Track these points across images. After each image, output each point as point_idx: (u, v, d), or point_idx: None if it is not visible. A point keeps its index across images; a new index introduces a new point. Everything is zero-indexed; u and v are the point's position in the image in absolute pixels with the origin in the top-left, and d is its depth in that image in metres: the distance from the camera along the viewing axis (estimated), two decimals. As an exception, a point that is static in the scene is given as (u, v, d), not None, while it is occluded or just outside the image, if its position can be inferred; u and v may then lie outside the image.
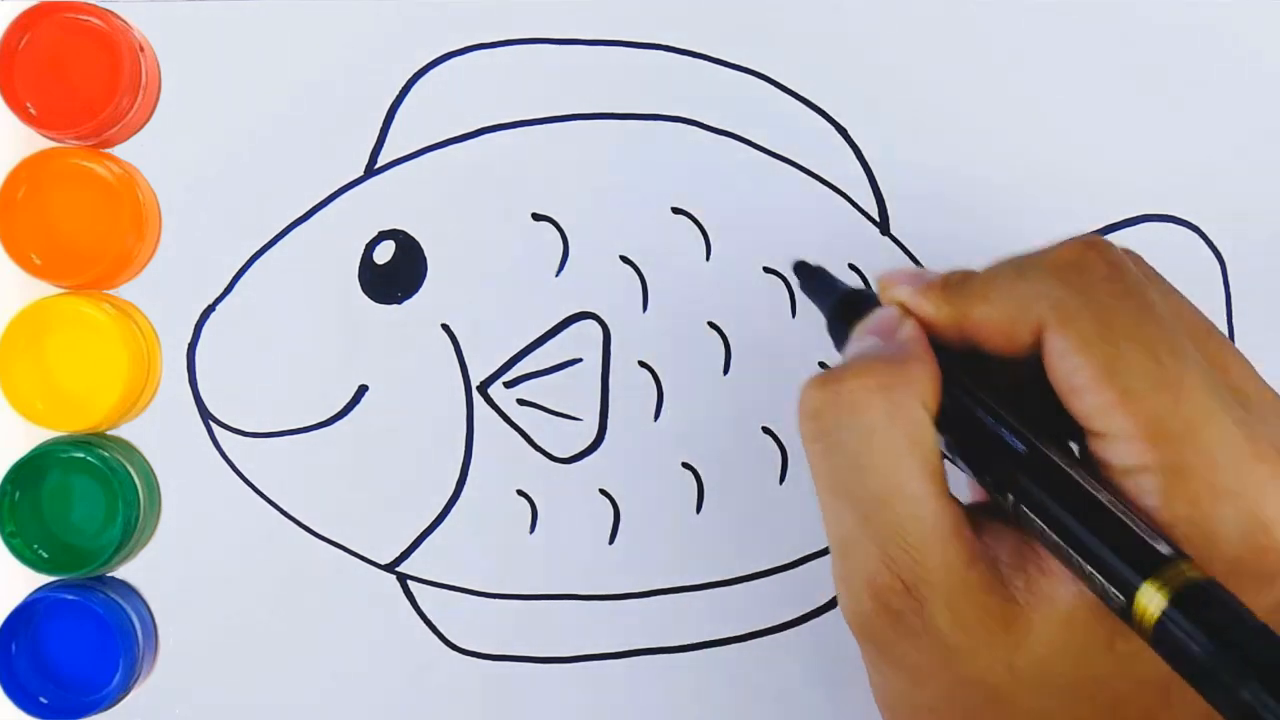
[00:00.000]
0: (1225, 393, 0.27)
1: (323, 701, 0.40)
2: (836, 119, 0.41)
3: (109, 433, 0.40)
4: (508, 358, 0.40)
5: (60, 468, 0.39)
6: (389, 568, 0.40)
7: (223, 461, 0.40)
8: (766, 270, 0.41)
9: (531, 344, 0.40)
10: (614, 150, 0.40)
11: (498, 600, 0.40)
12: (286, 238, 0.40)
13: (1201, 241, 0.41)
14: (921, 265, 0.41)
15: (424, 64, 0.40)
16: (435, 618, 0.40)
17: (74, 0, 0.39)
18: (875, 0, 0.41)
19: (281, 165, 0.40)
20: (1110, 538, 0.26)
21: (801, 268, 0.35)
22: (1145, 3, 0.41)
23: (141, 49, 0.39)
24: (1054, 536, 0.27)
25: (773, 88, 0.41)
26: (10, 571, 0.39)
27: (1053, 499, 0.27)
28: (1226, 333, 0.41)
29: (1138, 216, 0.41)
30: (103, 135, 0.39)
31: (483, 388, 0.40)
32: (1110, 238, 0.41)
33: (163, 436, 0.40)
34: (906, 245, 0.41)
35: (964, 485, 0.30)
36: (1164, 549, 0.25)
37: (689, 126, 0.41)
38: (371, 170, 0.40)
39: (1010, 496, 0.28)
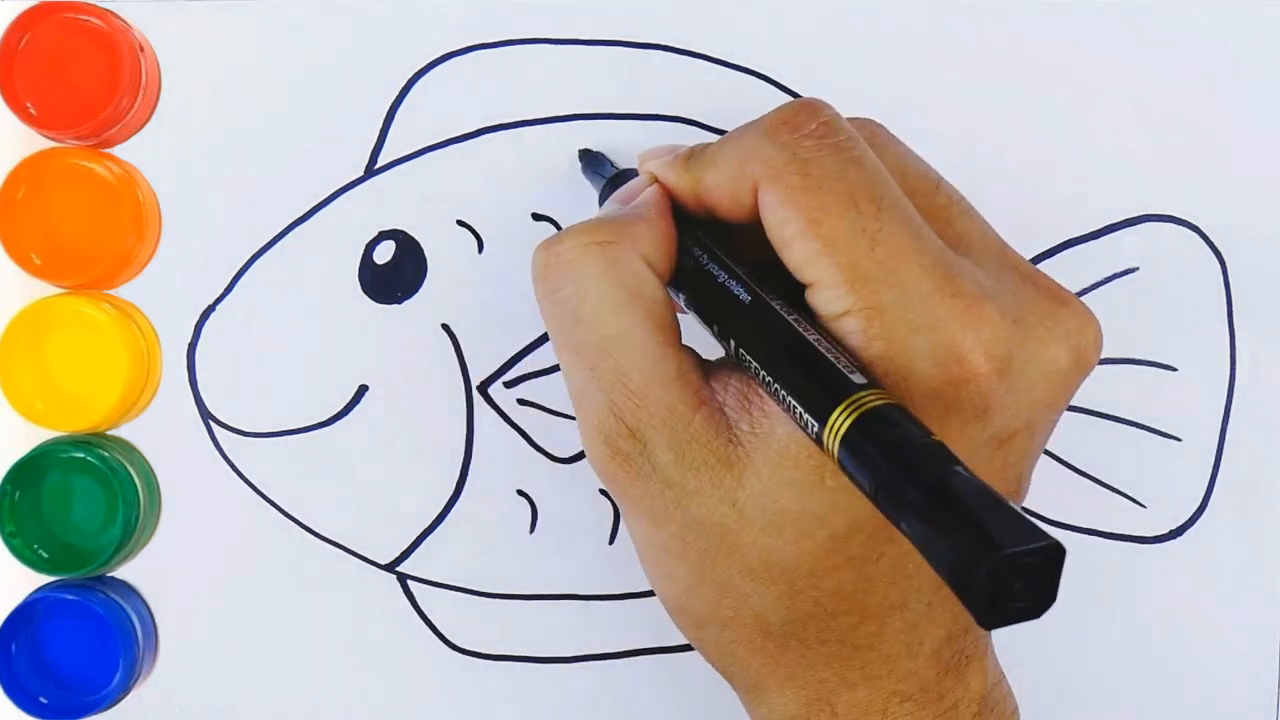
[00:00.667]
0: (929, 237, 0.28)
1: (322, 701, 0.40)
2: (836, 119, 0.41)
3: (109, 433, 0.40)
4: (508, 358, 0.40)
5: (60, 468, 0.39)
6: (389, 568, 0.40)
7: (223, 461, 0.40)
8: (766, 270, 0.41)
9: (531, 344, 0.40)
10: (614, 150, 0.40)
11: (498, 600, 0.40)
12: (286, 238, 0.40)
13: (1201, 241, 0.41)
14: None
15: (424, 64, 0.40)
16: (435, 618, 0.40)
17: (74, 0, 0.39)
18: (875, 1, 0.41)
19: (281, 165, 0.40)
20: (808, 372, 0.27)
21: (584, 154, 0.39)
22: (1145, 3, 0.41)
23: (141, 49, 0.39)
24: (765, 375, 0.28)
25: (773, 88, 0.41)
26: (10, 571, 0.39)
27: (763, 340, 0.28)
28: (1227, 333, 0.41)
29: (1138, 216, 0.41)
30: (103, 135, 0.39)
31: (483, 388, 0.40)
32: (1110, 238, 0.41)
33: (163, 436, 0.40)
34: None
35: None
36: (856, 379, 0.26)
37: (689, 126, 0.40)
38: (371, 170, 0.40)
39: (731, 342, 0.29)
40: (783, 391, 0.27)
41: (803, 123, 0.29)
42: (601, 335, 0.29)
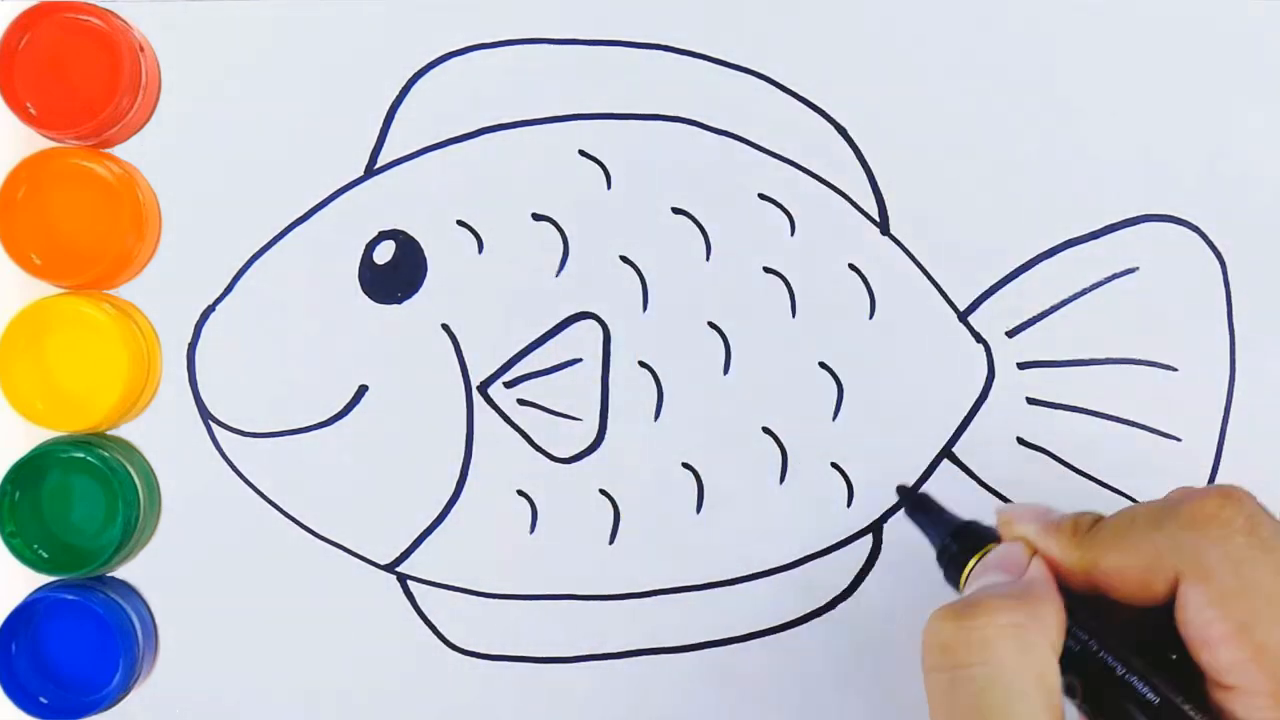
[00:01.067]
0: None
1: (322, 701, 0.40)
2: (836, 119, 0.41)
3: (109, 433, 0.40)
4: (508, 358, 0.40)
5: (60, 468, 0.39)
6: (389, 568, 0.40)
7: (223, 461, 0.40)
8: (766, 270, 0.41)
9: (531, 344, 0.40)
10: (614, 150, 0.40)
11: (498, 600, 0.40)
12: (286, 238, 0.40)
13: (1201, 241, 0.41)
14: (921, 266, 0.41)
15: (424, 64, 0.40)
16: (435, 618, 0.40)
17: (74, 0, 0.39)
18: (875, 1, 0.41)
19: (281, 165, 0.40)
20: None
21: (906, 494, 0.37)
22: (1145, 3, 0.41)
23: (141, 49, 0.39)
24: None
25: (773, 88, 0.41)
26: (10, 571, 0.39)
27: None
28: (1227, 333, 0.41)
29: (1138, 216, 0.41)
30: (103, 135, 0.39)
31: (483, 388, 0.40)
32: (1110, 238, 0.41)
33: (163, 436, 0.40)
34: (906, 245, 0.41)
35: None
36: None
37: (689, 126, 0.41)
38: (371, 170, 0.40)
39: None
40: None
41: (1229, 517, 0.29)
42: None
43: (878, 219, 0.41)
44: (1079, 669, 0.30)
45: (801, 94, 0.41)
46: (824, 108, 0.41)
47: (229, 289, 0.40)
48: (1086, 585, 0.31)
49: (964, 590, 0.33)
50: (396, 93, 0.40)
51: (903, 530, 0.41)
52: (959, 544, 0.34)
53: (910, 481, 0.40)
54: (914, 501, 0.36)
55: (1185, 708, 0.29)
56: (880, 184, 0.41)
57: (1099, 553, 0.30)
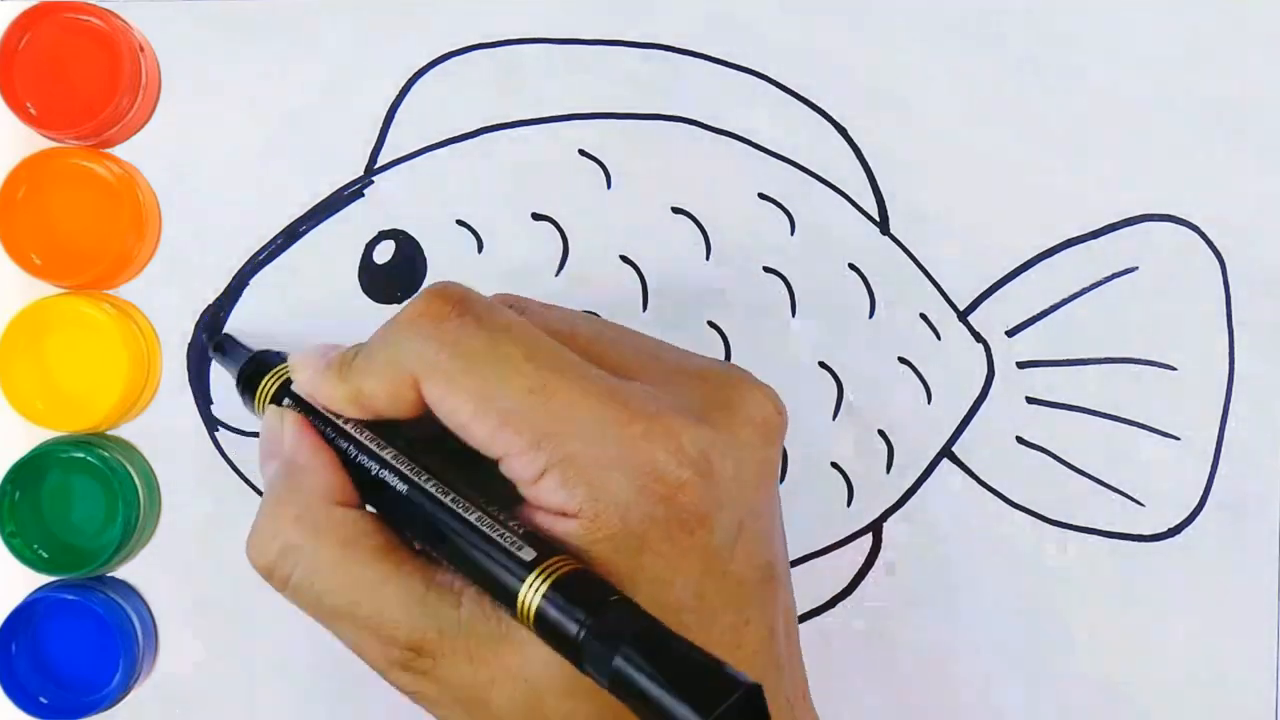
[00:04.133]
0: (594, 374, 0.29)
1: (322, 702, 0.40)
2: (836, 119, 0.41)
3: (109, 433, 0.40)
4: (508, 358, 0.40)
5: (60, 468, 0.39)
6: (389, 568, 0.40)
7: (223, 461, 0.40)
8: (766, 270, 0.41)
9: (531, 344, 0.40)
10: (614, 150, 0.40)
11: (498, 600, 0.40)
12: (286, 237, 0.40)
13: (1201, 241, 0.41)
14: (922, 266, 0.41)
15: (424, 64, 0.40)
16: (435, 618, 0.40)
17: (74, 0, 0.39)
18: (875, 1, 0.41)
19: (281, 165, 0.40)
20: (486, 557, 0.28)
21: (210, 335, 0.39)
22: (1145, 3, 0.41)
23: (141, 49, 0.39)
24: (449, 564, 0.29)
25: (773, 88, 0.41)
26: (10, 571, 0.39)
27: (433, 530, 0.29)
28: (1226, 333, 0.41)
29: (1138, 216, 0.41)
30: (103, 135, 0.39)
31: (483, 388, 0.40)
32: (1110, 238, 0.41)
33: (163, 436, 0.40)
34: (906, 245, 0.41)
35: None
36: (527, 554, 0.27)
37: (689, 126, 0.41)
38: (371, 170, 0.40)
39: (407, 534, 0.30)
40: (479, 585, 0.29)
41: (439, 308, 0.30)
42: (347, 592, 0.30)
43: (878, 219, 0.41)
44: (363, 487, 0.31)
45: (801, 94, 0.41)
46: (824, 108, 0.41)
47: (229, 289, 0.40)
48: (366, 414, 0.31)
49: (259, 412, 0.34)
50: (396, 93, 0.40)
51: (903, 530, 0.41)
52: (252, 368, 0.35)
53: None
54: (216, 345, 0.39)
55: (426, 484, 0.29)
56: (880, 184, 0.41)
57: (358, 381, 0.31)
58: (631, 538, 0.28)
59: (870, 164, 0.41)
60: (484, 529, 0.28)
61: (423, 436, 0.31)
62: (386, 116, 0.40)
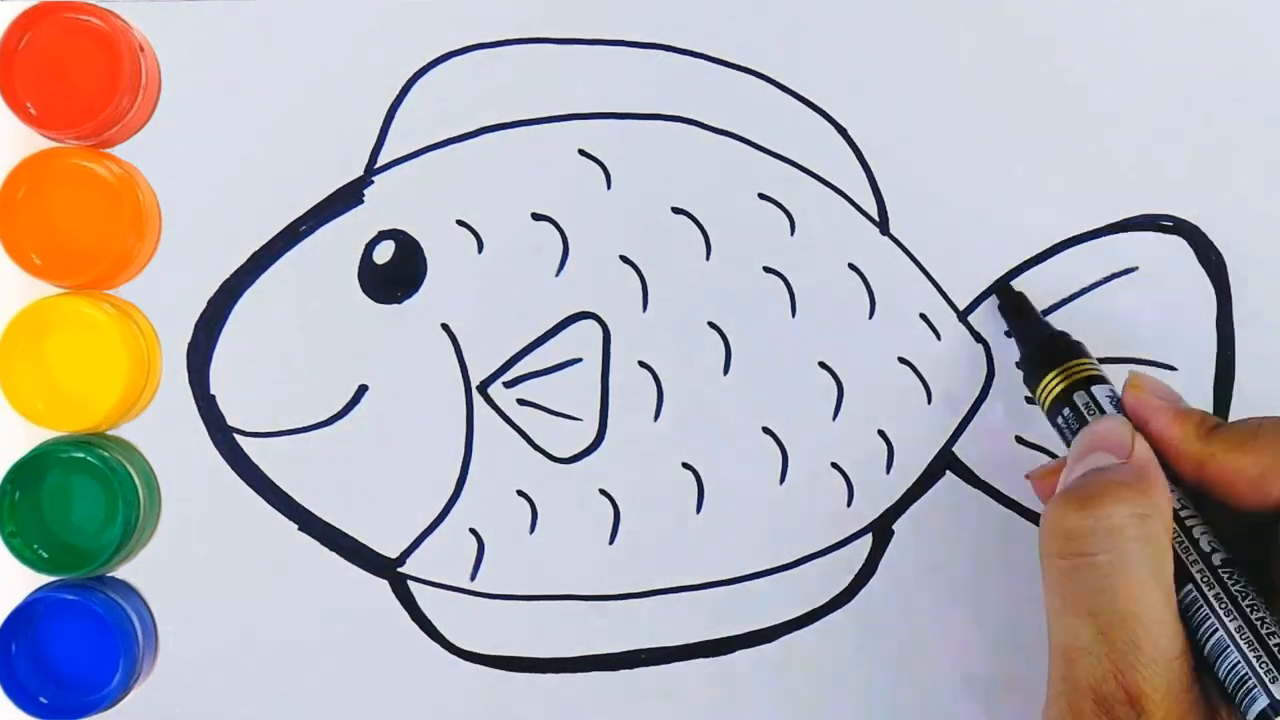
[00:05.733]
0: None
1: (322, 702, 0.40)
2: (836, 119, 0.41)
3: (109, 433, 0.40)
4: (508, 358, 0.40)
5: (60, 468, 0.39)
6: (388, 568, 0.40)
7: (223, 461, 0.40)
8: (766, 270, 0.41)
9: (531, 344, 0.40)
10: (614, 150, 0.40)
11: (497, 601, 0.40)
12: (286, 237, 0.40)
13: (1201, 242, 0.41)
14: (922, 266, 0.41)
15: (424, 64, 0.40)
16: (435, 618, 0.40)
17: (74, 0, 0.39)
18: (875, 1, 0.41)
19: (281, 165, 0.40)
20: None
21: (1003, 293, 0.39)
22: (1144, 3, 0.41)
23: (141, 49, 0.39)
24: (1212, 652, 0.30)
25: (773, 88, 0.41)
26: (10, 571, 0.39)
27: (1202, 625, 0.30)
28: (1227, 333, 0.41)
29: (1138, 216, 0.41)
30: (103, 135, 0.39)
31: (483, 387, 0.40)
32: (1110, 238, 0.41)
33: (163, 436, 0.40)
34: (906, 245, 0.41)
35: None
36: None
37: (689, 126, 0.41)
38: (371, 170, 0.40)
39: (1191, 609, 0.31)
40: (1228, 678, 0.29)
41: None
42: (1127, 607, 0.30)
43: (878, 219, 0.41)
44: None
45: (801, 94, 0.41)
46: (824, 108, 0.41)
47: (229, 289, 0.40)
48: (1194, 478, 0.32)
49: (1039, 396, 0.35)
50: (396, 93, 0.40)
51: (903, 530, 0.41)
52: (1042, 354, 0.36)
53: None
54: (1012, 303, 0.38)
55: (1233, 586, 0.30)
56: (880, 184, 0.41)
57: (1221, 449, 0.32)
58: None
59: (870, 164, 0.41)
60: (1242, 643, 0.29)
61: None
62: (386, 116, 0.40)
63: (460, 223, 0.40)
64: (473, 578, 0.40)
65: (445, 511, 0.40)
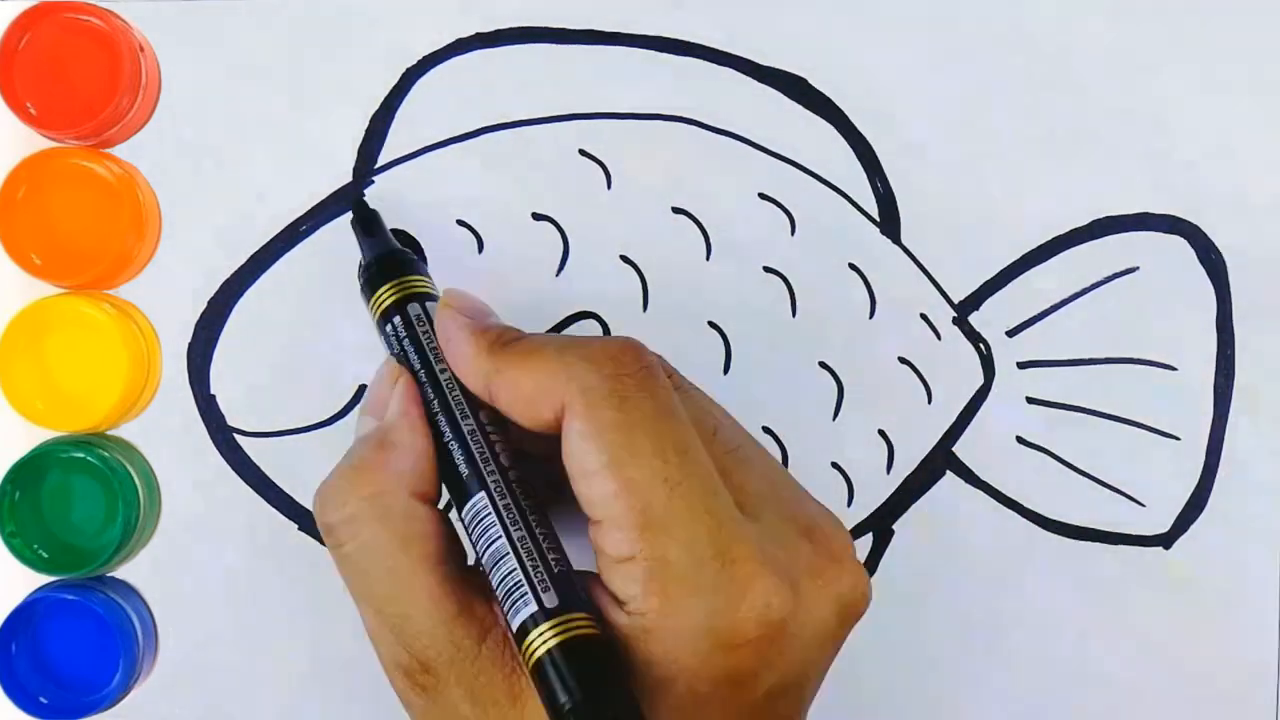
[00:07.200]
0: (723, 495, 0.29)
1: (322, 703, 0.40)
2: (836, 119, 0.41)
3: (109, 433, 0.40)
4: (508, 358, 0.40)
5: (60, 468, 0.39)
6: (389, 568, 0.40)
7: (223, 461, 0.40)
8: (766, 270, 0.41)
9: (531, 344, 0.40)
10: (614, 150, 0.40)
11: (498, 600, 0.40)
12: (286, 237, 0.40)
13: (1201, 241, 0.41)
14: (922, 266, 0.41)
15: (424, 63, 0.40)
16: (435, 618, 0.40)
17: (74, 0, 0.39)
18: (876, 1, 0.41)
19: (281, 165, 0.40)
20: (514, 580, 0.29)
21: (360, 207, 0.38)
22: (1144, 3, 0.41)
23: (141, 49, 0.39)
24: (485, 566, 0.30)
25: (772, 88, 0.41)
26: (10, 571, 0.39)
27: (483, 538, 0.30)
28: (1227, 332, 0.41)
29: (1138, 216, 0.41)
30: (103, 135, 0.39)
31: (483, 388, 0.40)
32: (1110, 238, 0.41)
33: (163, 436, 0.40)
34: (907, 245, 0.41)
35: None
36: (550, 600, 0.28)
37: (689, 126, 0.41)
38: (372, 170, 0.40)
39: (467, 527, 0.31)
40: (499, 593, 0.29)
41: (627, 361, 0.30)
42: (386, 586, 0.30)
43: (878, 219, 0.41)
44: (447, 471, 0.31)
45: (801, 93, 0.41)
46: (824, 107, 0.41)
47: (229, 289, 0.40)
48: (486, 399, 0.31)
49: (373, 313, 0.34)
50: (397, 92, 0.40)
51: (903, 530, 0.41)
52: (383, 266, 0.35)
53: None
54: (363, 220, 0.37)
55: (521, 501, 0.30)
56: (880, 184, 0.41)
57: (504, 364, 0.31)
58: (675, 665, 0.28)
59: (870, 164, 0.41)
60: (523, 552, 0.28)
61: (511, 449, 0.31)
62: (387, 116, 0.40)
63: (460, 223, 0.40)
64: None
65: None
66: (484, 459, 0.31)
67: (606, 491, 0.28)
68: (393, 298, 0.34)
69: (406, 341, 0.33)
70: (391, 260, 0.36)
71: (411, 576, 0.30)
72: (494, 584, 0.30)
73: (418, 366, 0.33)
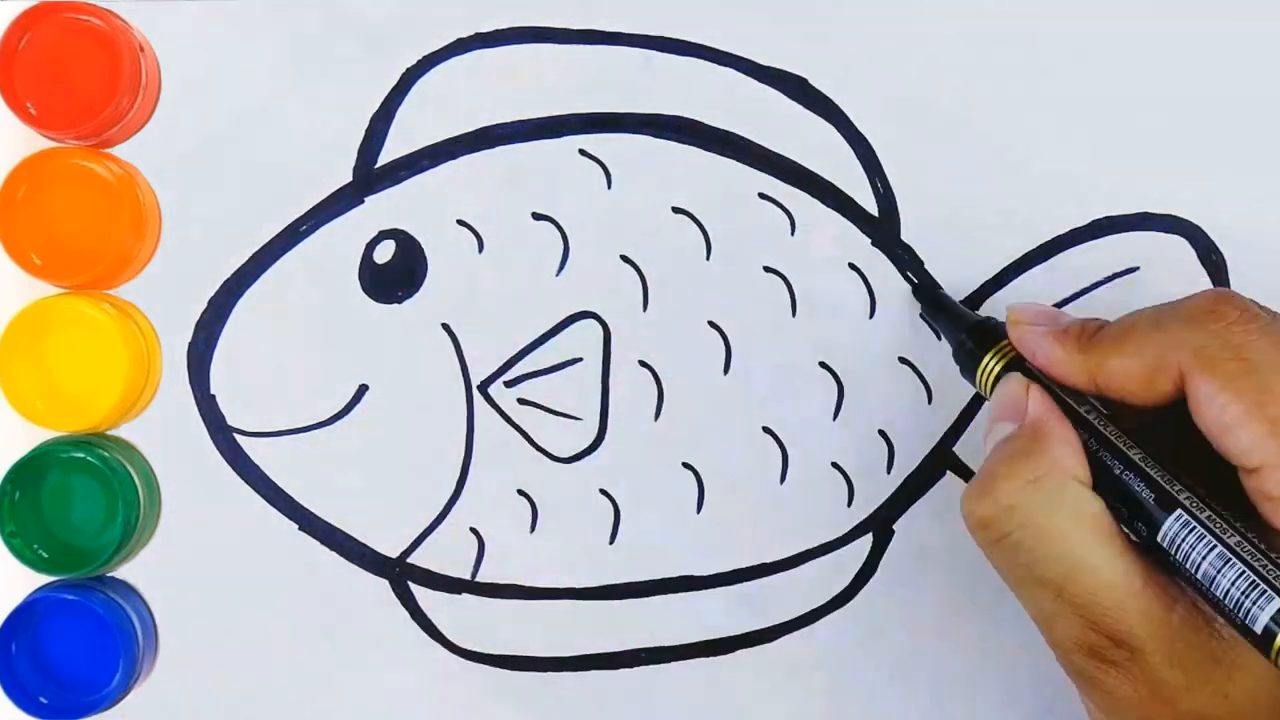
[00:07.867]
0: None
1: (322, 702, 0.40)
2: (836, 118, 0.41)
3: (109, 433, 0.40)
4: (508, 357, 0.40)
5: (60, 468, 0.39)
6: (388, 568, 0.40)
7: (223, 461, 0.40)
8: (766, 270, 0.41)
9: (531, 343, 0.40)
10: (614, 150, 0.40)
11: (498, 600, 0.40)
12: (286, 237, 0.40)
13: (1201, 242, 0.41)
14: (924, 266, 0.41)
15: (424, 63, 0.40)
16: (435, 618, 0.40)
17: (74, 0, 0.39)
18: (876, 1, 0.41)
19: (282, 165, 0.40)
20: (1234, 586, 0.28)
21: (922, 291, 0.39)
22: (1144, 3, 0.41)
23: (141, 49, 0.39)
24: (1198, 579, 0.29)
25: (772, 88, 0.41)
26: (10, 571, 0.39)
27: (1194, 550, 0.29)
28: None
29: (1138, 216, 0.41)
30: (103, 135, 0.39)
31: (483, 387, 0.40)
32: (1110, 238, 0.41)
33: (163, 436, 0.40)
34: (907, 245, 0.41)
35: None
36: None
37: (689, 126, 0.40)
38: (372, 170, 0.40)
39: (1160, 539, 0.30)
40: (1222, 602, 0.29)
41: (1226, 312, 0.30)
42: (1065, 566, 0.30)
43: (878, 218, 0.41)
44: (1105, 484, 0.31)
45: (801, 93, 0.41)
46: (824, 107, 0.41)
47: (229, 289, 0.40)
48: (1092, 391, 0.32)
49: (982, 386, 0.35)
50: (397, 92, 0.40)
51: (903, 530, 0.41)
52: (974, 341, 0.36)
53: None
54: (930, 300, 0.39)
55: (1195, 510, 0.30)
56: (880, 183, 0.41)
57: (1102, 356, 0.31)
58: None
59: (870, 164, 0.41)
60: (1245, 556, 0.28)
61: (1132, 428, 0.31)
62: (387, 116, 0.40)
63: (460, 223, 0.40)
64: (473, 577, 0.40)
65: (446, 511, 0.40)
66: (1166, 480, 0.30)
67: (1256, 435, 0.29)
68: (1000, 364, 0.35)
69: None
70: (979, 332, 0.36)
71: (1092, 551, 0.30)
72: (1218, 596, 0.29)
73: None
